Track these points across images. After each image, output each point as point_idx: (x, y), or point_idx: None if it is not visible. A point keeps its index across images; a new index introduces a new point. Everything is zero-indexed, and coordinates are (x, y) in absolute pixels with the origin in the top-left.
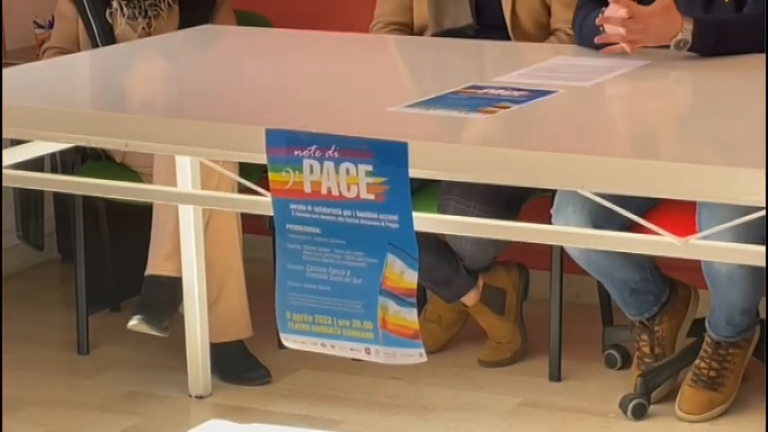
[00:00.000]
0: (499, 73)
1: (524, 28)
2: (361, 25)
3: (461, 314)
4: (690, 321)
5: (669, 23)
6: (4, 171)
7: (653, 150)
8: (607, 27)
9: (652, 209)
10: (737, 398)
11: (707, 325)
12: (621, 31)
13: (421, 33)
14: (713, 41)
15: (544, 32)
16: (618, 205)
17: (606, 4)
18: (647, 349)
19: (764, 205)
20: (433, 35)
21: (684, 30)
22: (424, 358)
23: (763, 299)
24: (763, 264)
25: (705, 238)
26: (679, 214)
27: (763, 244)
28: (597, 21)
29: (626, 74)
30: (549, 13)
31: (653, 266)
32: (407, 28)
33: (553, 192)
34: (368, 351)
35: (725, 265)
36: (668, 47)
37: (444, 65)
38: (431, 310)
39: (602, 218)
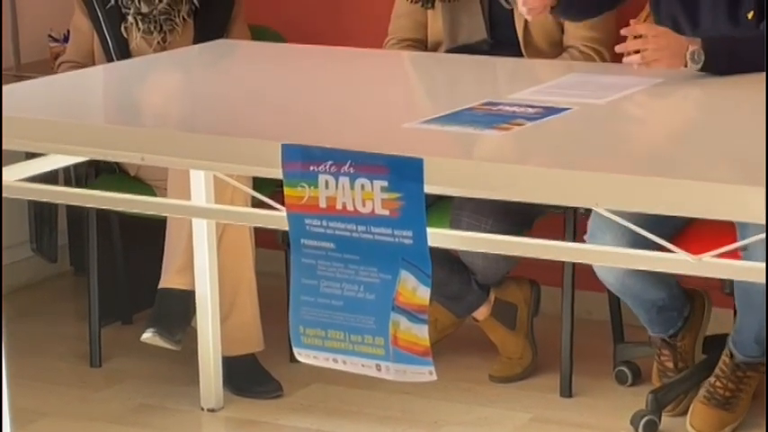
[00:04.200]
0: (513, 89)
1: (537, 44)
2: (375, 41)
3: (456, 320)
4: (705, 330)
5: (676, 42)
6: (18, 184)
7: (666, 168)
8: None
9: (687, 228)
10: (747, 417)
11: (731, 344)
12: (639, 46)
13: (435, 49)
14: (726, 57)
15: (557, 49)
16: (651, 225)
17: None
18: (670, 364)
19: (764, 220)
20: (447, 51)
21: (692, 44)
22: (434, 377)
23: None
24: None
25: (747, 256)
26: (716, 234)
27: None
28: (624, 31)
29: (639, 92)
30: (562, 30)
31: (676, 283)
32: (421, 44)
33: (565, 209)
34: (378, 368)
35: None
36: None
37: (459, 81)
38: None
39: (637, 243)
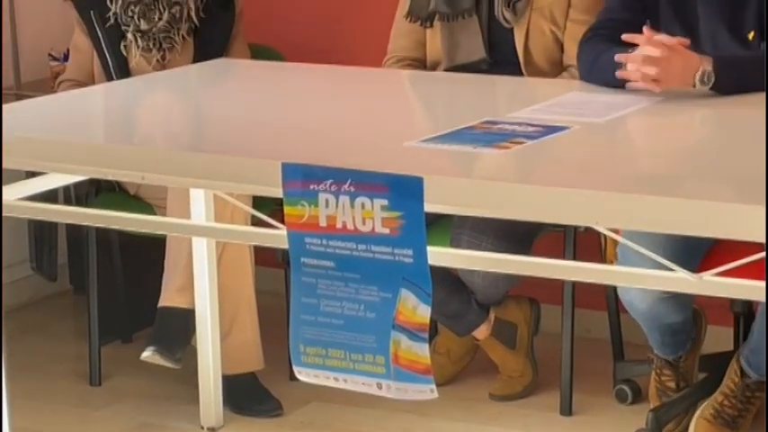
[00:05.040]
0: (513, 108)
1: (537, 63)
2: (375, 60)
3: (470, 348)
4: (701, 347)
5: (688, 62)
6: (18, 203)
7: (667, 187)
8: (630, 65)
9: (712, 249)
10: None
11: (744, 364)
12: (651, 71)
13: (434, 68)
14: (734, 78)
15: (556, 68)
16: (678, 249)
17: (616, 43)
18: (672, 384)
19: (764, 239)
20: (446, 70)
21: (705, 64)
22: (435, 394)
23: None
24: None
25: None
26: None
27: None
28: (618, 57)
29: (639, 110)
30: (562, 50)
31: (692, 306)
32: (420, 63)
33: (565, 227)
34: (380, 386)
35: None
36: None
37: (458, 100)
38: (440, 343)
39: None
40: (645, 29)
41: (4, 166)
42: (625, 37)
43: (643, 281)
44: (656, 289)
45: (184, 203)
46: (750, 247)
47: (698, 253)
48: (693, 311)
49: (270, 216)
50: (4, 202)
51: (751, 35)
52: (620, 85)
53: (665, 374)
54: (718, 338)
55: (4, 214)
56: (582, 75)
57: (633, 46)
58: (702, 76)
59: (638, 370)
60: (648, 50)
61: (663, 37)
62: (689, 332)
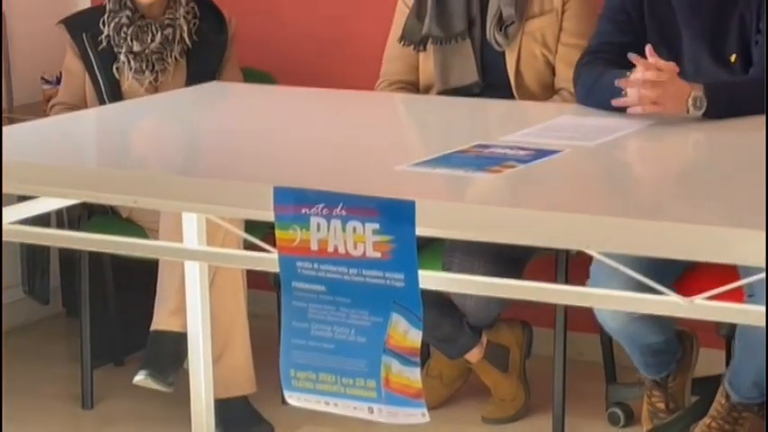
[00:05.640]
0: (504, 132)
1: (528, 87)
2: (367, 83)
3: (463, 371)
4: (693, 370)
5: (681, 87)
6: (10, 227)
7: (658, 211)
8: (630, 91)
9: (690, 270)
10: None
11: (727, 386)
12: (651, 93)
13: (426, 92)
14: (725, 103)
15: (548, 91)
16: (652, 270)
17: (613, 66)
18: (661, 405)
19: (764, 264)
20: (439, 93)
21: (695, 90)
22: (427, 418)
23: None
24: (763, 324)
25: (751, 297)
26: (718, 277)
27: None
28: (618, 83)
29: (630, 134)
30: (554, 73)
31: (673, 327)
32: (413, 86)
33: (557, 251)
34: (371, 410)
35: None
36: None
37: (450, 123)
38: (433, 366)
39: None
40: (648, 50)
41: None
42: (632, 57)
43: (634, 305)
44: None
45: (177, 227)
46: (725, 270)
47: (671, 273)
48: (682, 333)
49: (262, 240)
50: None
51: (733, 58)
52: (617, 108)
53: (654, 395)
54: (711, 361)
55: None
56: (579, 97)
57: (633, 67)
58: (695, 101)
59: (630, 393)
60: (649, 75)
61: (658, 61)
62: (673, 353)
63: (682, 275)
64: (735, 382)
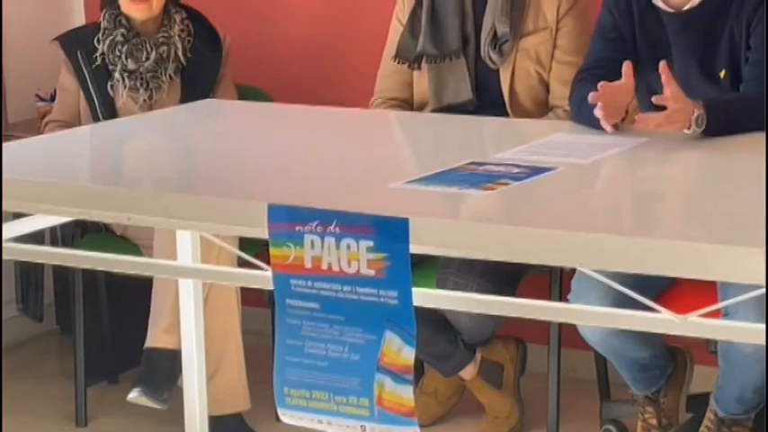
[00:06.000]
0: (498, 149)
1: (523, 104)
2: (361, 101)
3: (458, 388)
4: (688, 388)
5: (688, 106)
6: (4, 245)
7: (651, 228)
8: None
9: (670, 287)
10: None
11: (713, 401)
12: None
13: (421, 109)
14: (723, 120)
15: (542, 109)
16: (635, 285)
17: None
18: (654, 421)
19: (764, 282)
20: (433, 111)
21: (697, 108)
22: None
23: None
24: (763, 342)
25: (726, 315)
26: (697, 293)
27: None
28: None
29: (624, 151)
30: (548, 90)
31: (661, 343)
32: (407, 104)
33: (551, 268)
34: (363, 428)
35: (746, 344)
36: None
37: (444, 141)
38: (427, 383)
39: (620, 303)
40: (662, 68)
41: None
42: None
43: (628, 322)
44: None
45: (171, 244)
46: (705, 285)
47: (655, 287)
48: (675, 350)
49: (256, 257)
50: None
51: (722, 74)
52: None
53: (647, 411)
54: (705, 378)
55: None
56: (573, 115)
57: None
58: (697, 119)
59: (624, 410)
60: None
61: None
62: (662, 368)
63: (665, 290)
64: (720, 398)
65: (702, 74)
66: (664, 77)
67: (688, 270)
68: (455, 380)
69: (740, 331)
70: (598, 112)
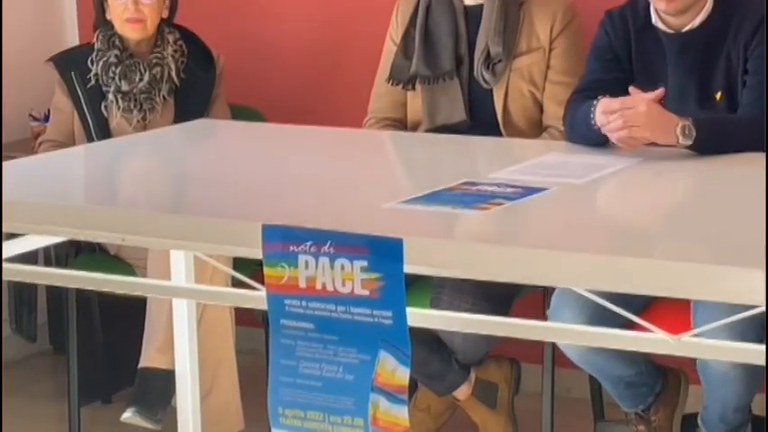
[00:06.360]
0: (492, 169)
1: (516, 124)
2: (355, 121)
3: (450, 404)
4: (683, 407)
5: (666, 115)
6: None
7: (646, 248)
8: (612, 119)
9: (648, 306)
10: None
11: (700, 421)
12: (630, 117)
13: (414, 129)
14: (714, 136)
15: (536, 129)
16: (614, 302)
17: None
18: None
19: (764, 303)
20: (427, 131)
21: (684, 120)
22: None
23: (758, 395)
24: (762, 362)
25: (700, 335)
26: (675, 311)
27: (760, 342)
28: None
29: (618, 171)
30: (542, 110)
31: (646, 360)
32: (401, 124)
33: (545, 288)
34: None
35: (720, 363)
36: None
37: (438, 161)
38: (420, 399)
39: (599, 318)
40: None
41: None
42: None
43: (620, 342)
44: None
45: (165, 264)
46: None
47: (636, 304)
48: (667, 369)
49: (250, 277)
50: None
51: (718, 95)
52: (601, 142)
53: (639, 430)
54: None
55: None
56: (566, 135)
57: None
58: (684, 130)
59: (618, 430)
60: (615, 104)
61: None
62: (650, 385)
63: (648, 306)
64: (705, 418)
65: (699, 95)
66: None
67: (683, 291)
68: (448, 397)
69: (731, 352)
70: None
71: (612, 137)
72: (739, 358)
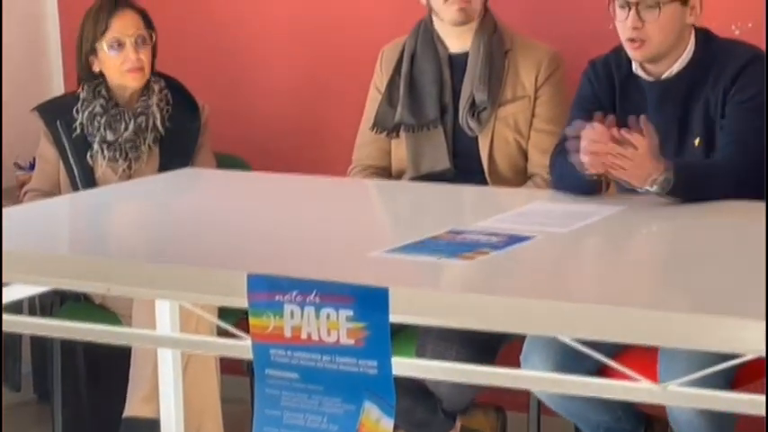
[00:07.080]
0: (477, 218)
1: (501, 173)
2: (339, 169)
3: None
4: None
5: (655, 162)
6: None
7: (629, 297)
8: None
9: (621, 351)
10: None
11: None
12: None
13: (399, 177)
14: (692, 186)
15: (521, 177)
16: (587, 347)
17: None
18: None
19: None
20: (412, 179)
21: (667, 170)
22: None
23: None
24: (762, 412)
25: (684, 384)
26: (645, 357)
27: (728, 390)
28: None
29: (602, 220)
30: (526, 158)
31: (625, 405)
32: (386, 172)
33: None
34: None
35: (684, 412)
36: (637, 191)
37: (423, 209)
38: None
39: (570, 362)
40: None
41: None
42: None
43: (606, 390)
44: None
45: (150, 313)
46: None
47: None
48: (651, 418)
49: (235, 325)
50: None
51: (696, 141)
52: (591, 192)
53: None
54: None
55: None
56: (553, 184)
57: None
58: (663, 182)
59: None
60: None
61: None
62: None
63: (616, 351)
64: None
65: (678, 141)
66: (644, 130)
67: (664, 339)
68: None
69: (723, 401)
70: (582, 157)
71: (585, 159)
72: (748, 410)
